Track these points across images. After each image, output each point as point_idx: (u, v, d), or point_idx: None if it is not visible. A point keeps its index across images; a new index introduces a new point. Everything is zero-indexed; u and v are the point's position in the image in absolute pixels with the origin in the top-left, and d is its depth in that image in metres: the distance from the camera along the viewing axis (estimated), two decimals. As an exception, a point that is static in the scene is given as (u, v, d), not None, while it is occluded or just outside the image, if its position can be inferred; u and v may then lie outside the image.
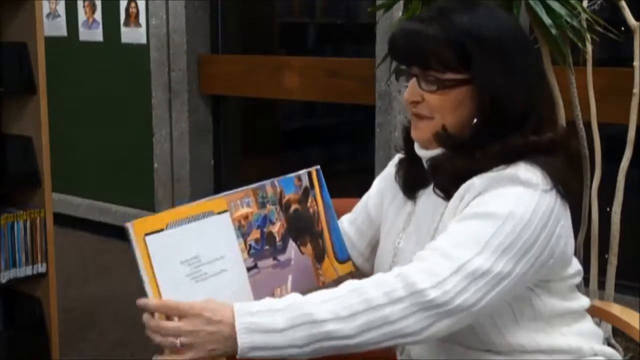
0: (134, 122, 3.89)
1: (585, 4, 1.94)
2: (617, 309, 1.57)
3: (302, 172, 1.50)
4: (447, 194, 1.29)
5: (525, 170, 1.22)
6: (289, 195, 1.47)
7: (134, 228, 1.21)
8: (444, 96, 1.26)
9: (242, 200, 1.40)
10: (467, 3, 1.29)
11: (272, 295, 1.38)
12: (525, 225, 1.19)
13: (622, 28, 1.98)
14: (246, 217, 1.40)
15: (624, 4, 1.97)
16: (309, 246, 1.48)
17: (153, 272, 1.21)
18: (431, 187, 1.34)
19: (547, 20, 1.81)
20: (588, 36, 1.93)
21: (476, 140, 1.26)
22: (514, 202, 1.20)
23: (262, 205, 1.42)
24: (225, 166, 3.84)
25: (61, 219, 3.39)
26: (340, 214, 1.60)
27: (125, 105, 3.91)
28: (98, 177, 4.09)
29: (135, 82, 3.82)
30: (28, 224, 2.62)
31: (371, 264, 1.52)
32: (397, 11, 2.25)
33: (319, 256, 1.49)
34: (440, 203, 1.31)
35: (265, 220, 1.42)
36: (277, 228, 1.44)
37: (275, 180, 1.46)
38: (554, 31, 1.82)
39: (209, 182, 3.81)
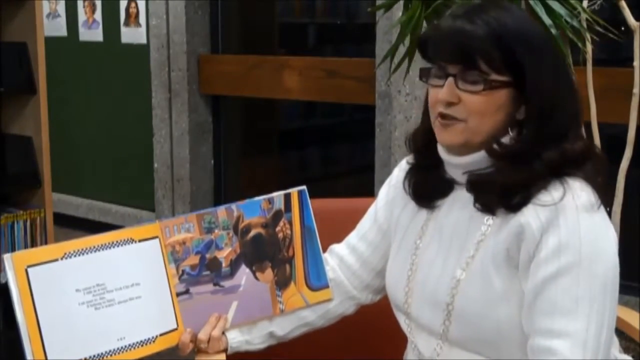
0: (134, 122, 3.88)
1: (585, 4, 1.94)
2: (617, 309, 1.56)
3: (277, 194, 1.47)
4: (490, 210, 1.24)
5: (580, 191, 1.19)
6: (250, 219, 1.45)
7: (13, 260, 1.27)
8: (486, 97, 1.21)
9: (181, 226, 1.41)
10: (499, 5, 1.25)
11: (207, 320, 1.41)
12: (610, 257, 1.18)
13: (622, 28, 1.98)
14: (183, 242, 1.40)
15: (624, 4, 1.96)
16: (268, 272, 1.46)
17: (32, 302, 1.26)
18: (454, 195, 1.30)
19: (547, 20, 1.81)
20: (588, 36, 1.93)
21: (526, 148, 1.21)
22: (591, 239, 1.17)
23: (208, 230, 1.42)
24: (225, 166, 3.84)
25: (61, 219, 3.39)
26: (347, 213, 1.59)
27: (125, 106, 3.90)
28: (98, 177, 4.09)
29: (135, 82, 3.82)
30: (28, 224, 2.62)
31: (381, 279, 1.48)
32: (397, 11, 2.24)
33: (282, 283, 1.47)
34: (475, 214, 1.26)
35: (210, 246, 1.42)
36: (225, 253, 1.43)
37: (234, 205, 1.45)
38: (554, 31, 1.82)
39: (209, 182, 3.81)
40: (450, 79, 1.23)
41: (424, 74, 1.28)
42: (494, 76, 1.21)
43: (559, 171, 1.20)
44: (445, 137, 1.26)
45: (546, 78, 1.21)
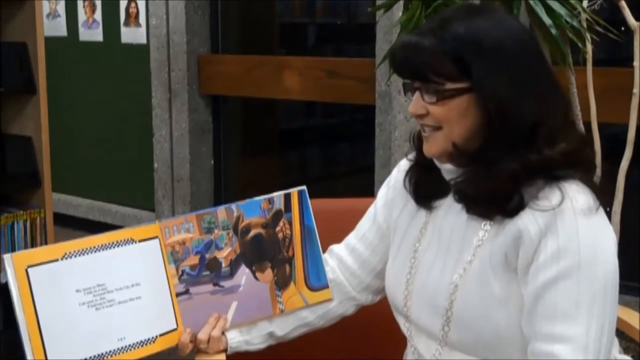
0: (134, 122, 3.88)
1: (585, 4, 1.94)
2: (617, 309, 1.56)
3: (277, 194, 1.47)
4: (484, 215, 1.24)
5: (577, 194, 1.18)
6: (250, 219, 1.45)
7: (13, 260, 1.27)
8: (445, 106, 1.22)
9: (180, 226, 1.41)
10: (469, 11, 1.25)
11: (207, 321, 1.41)
12: (609, 259, 1.18)
13: (622, 28, 1.98)
14: (183, 242, 1.40)
15: (624, 4, 1.97)
16: (268, 272, 1.46)
17: (33, 302, 1.26)
18: (452, 197, 1.29)
19: (547, 20, 1.81)
20: (588, 36, 1.93)
21: (486, 154, 1.21)
22: (590, 242, 1.16)
23: (208, 230, 1.42)
24: (225, 166, 3.84)
25: (61, 219, 3.39)
26: (347, 213, 1.59)
27: (125, 105, 3.91)
28: (98, 177, 4.09)
29: (135, 82, 3.82)
30: (28, 224, 2.62)
31: (381, 280, 1.48)
32: (397, 11, 2.24)
33: (282, 283, 1.47)
34: (473, 218, 1.26)
35: (210, 246, 1.42)
36: (224, 254, 1.43)
37: (234, 205, 1.45)
38: (554, 31, 1.82)
39: (209, 182, 3.81)
40: (417, 93, 1.25)
41: (405, 89, 1.30)
42: (449, 85, 1.21)
43: (552, 176, 1.20)
44: (426, 149, 1.28)
45: (497, 82, 1.19)
